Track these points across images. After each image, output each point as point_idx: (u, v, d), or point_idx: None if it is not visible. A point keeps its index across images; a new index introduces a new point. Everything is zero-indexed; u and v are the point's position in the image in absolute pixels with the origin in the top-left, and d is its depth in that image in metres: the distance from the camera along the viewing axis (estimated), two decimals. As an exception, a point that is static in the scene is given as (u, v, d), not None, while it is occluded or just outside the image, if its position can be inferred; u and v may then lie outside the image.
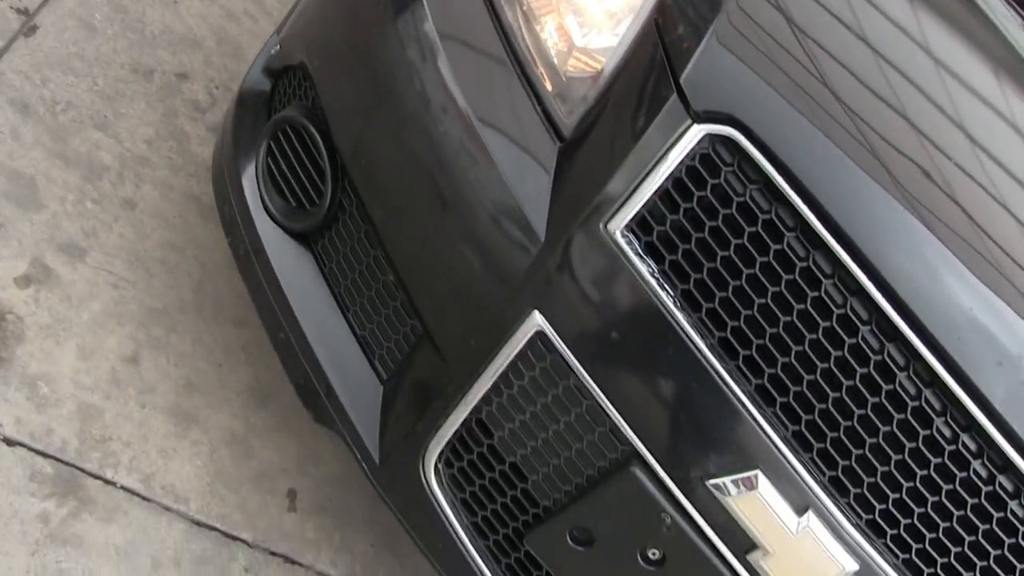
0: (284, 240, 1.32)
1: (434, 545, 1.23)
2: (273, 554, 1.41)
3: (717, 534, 1.08)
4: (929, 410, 1.04)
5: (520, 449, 1.15)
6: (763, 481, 1.05)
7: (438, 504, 1.21)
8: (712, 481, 1.06)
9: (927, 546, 1.08)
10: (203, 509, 1.39)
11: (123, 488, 1.34)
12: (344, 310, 1.29)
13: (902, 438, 1.04)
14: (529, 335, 1.10)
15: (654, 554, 1.12)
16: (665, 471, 1.08)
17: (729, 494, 1.06)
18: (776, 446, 1.05)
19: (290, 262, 1.31)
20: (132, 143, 1.67)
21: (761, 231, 1.04)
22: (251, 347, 1.56)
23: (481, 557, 1.22)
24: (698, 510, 1.08)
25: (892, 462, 1.05)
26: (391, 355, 1.25)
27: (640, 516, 1.10)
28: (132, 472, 1.36)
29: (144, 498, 1.35)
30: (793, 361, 1.05)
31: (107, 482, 1.33)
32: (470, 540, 1.21)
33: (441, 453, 1.19)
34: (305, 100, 1.34)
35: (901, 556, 1.08)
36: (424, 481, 1.21)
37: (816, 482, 1.05)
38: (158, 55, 1.82)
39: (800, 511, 1.06)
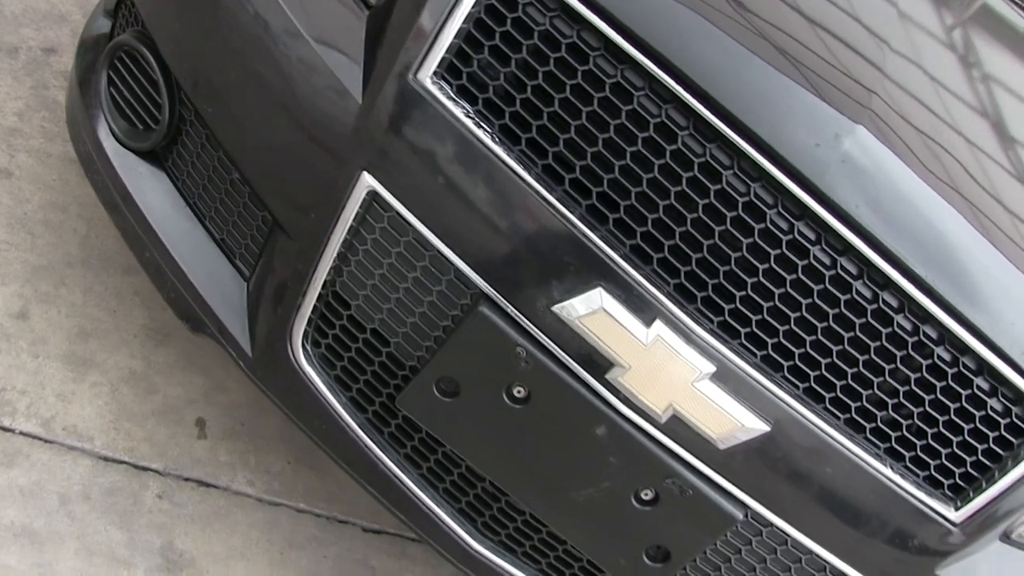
0: (136, 162, 1.33)
1: (318, 428, 1.25)
2: (186, 479, 1.43)
3: (573, 359, 1.10)
4: (761, 204, 1.05)
5: (377, 314, 1.17)
6: (607, 298, 1.07)
7: (313, 385, 1.23)
8: (558, 306, 1.08)
9: (782, 339, 1.10)
10: (109, 445, 1.40)
11: (22, 433, 1.36)
12: (201, 218, 1.30)
13: (738, 235, 1.06)
14: (362, 198, 1.12)
15: (519, 391, 1.13)
16: (512, 305, 1.10)
17: (576, 315, 1.08)
18: (615, 262, 1.07)
19: (144, 182, 1.32)
20: (1, 116, 1.68)
21: (567, 55, 1.06)
22: (144, 292, 1.58)
23: (364, 431, 1.23)
24: (551, 338, 1.10)
25: (732, 260, 1.07)
26: (249, 251, 1.27)
27: (498, 355, 1.11)
28: (31, 418, 1.37)
29: (46, 440, 1.36)
30: (619, 176, 1.07)
31: (4, 430, 1.35)
32: (350, 415, 1.23)
33: (306, 333, 1.21)
34: (136, 25, 1.36)
35: (759, 353, 1.10)
36: (296, 365, 1.22)
37: (660, 292, 1.07)
38: (21, 33, 1.83)
39: (648, 322, 1.07)
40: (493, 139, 1.08)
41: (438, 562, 1.56)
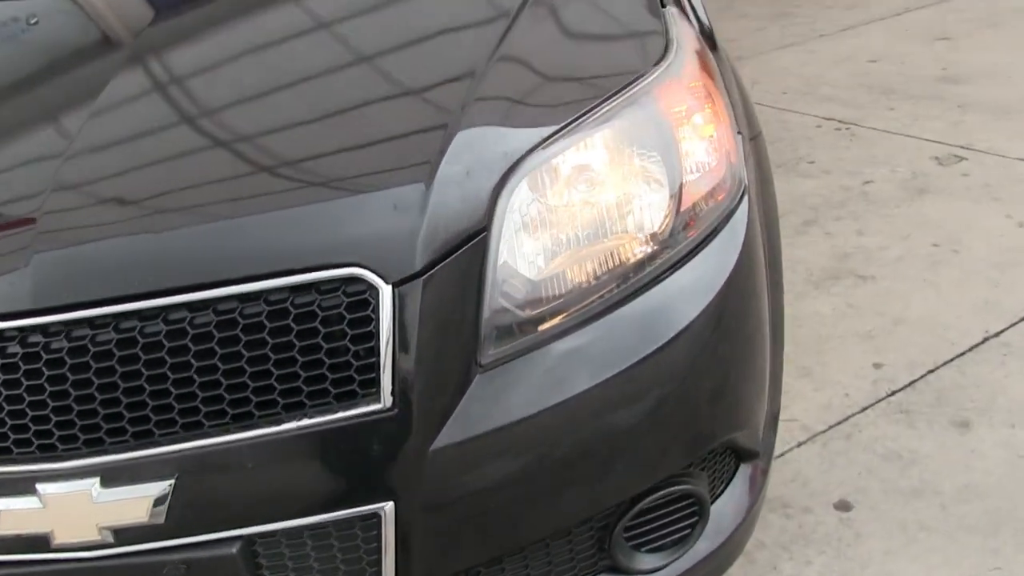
0: None
1: None
2: None
3: (26, 553, 1.26)
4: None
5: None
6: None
7: None
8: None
9: (128, 413, 1.22)
10: None
11: None
12: None
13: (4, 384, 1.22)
14: None
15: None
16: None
17: (-7, 531, 1.26)
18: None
19: None
20: None
21: None
22: None
23: None
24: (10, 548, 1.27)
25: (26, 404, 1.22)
26: None
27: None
28: None
29: None
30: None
31: None
32: None
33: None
34: None
35: (127, 436, 1.23)
36: None
37: (15, 466, 1.24)
38: None
39: (31, 492, 1.23)
40: None
41: None
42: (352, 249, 1.22)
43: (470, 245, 1.27)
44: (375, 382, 1.24)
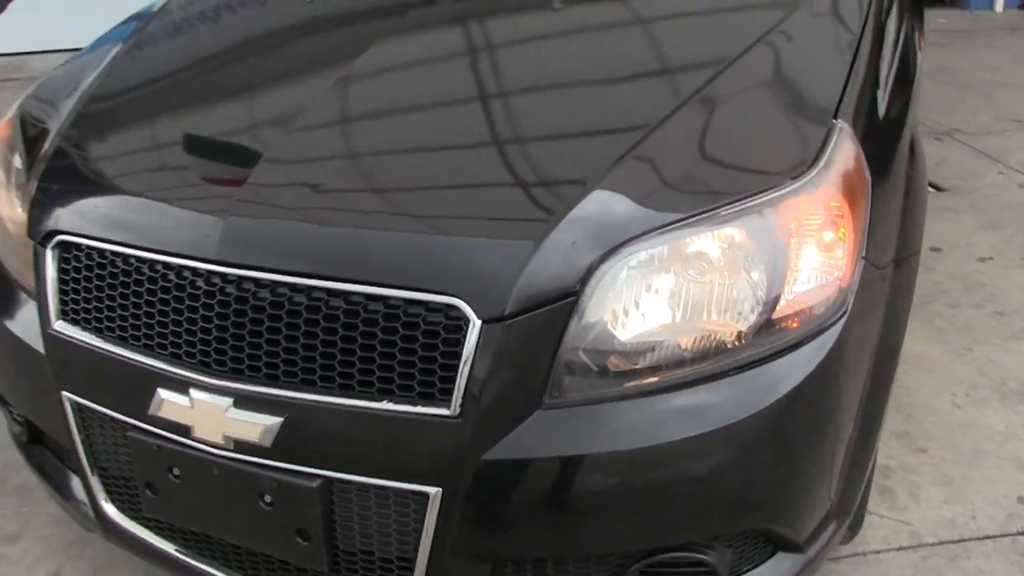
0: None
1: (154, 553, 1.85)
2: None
3: (175, 434, 1.64)
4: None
5: (114, 465, 1.80)
6: (163, 392, 1.63)
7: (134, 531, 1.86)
8: (153, 411, 1.64)
9: (265, 359, 1.56)
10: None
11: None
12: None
13: (188, 308, 1.60)
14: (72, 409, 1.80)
15: (175, 471, 1.67)
16: (137, 421, 1.68)
17: (159, 410, 1.63)
18: (156, 369, 1.63)
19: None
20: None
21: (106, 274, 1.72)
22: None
23: (160, 538, 1.82)
24: (164, 429, 1.65)
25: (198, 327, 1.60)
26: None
27: (150, 456, 1.68)
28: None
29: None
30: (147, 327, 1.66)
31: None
32: (156, 536, 1.83)
33: (107, 498, 1.86)
34: None
35: (260, 375, 1.56)
36: (116, 521, 1.86)
37: (182, 370, 1.61)
38: None
39: (185, 392, 1.60)
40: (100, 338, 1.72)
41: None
42: (457, 283, 1.47)
43: (557, 305, 1.48)
44: (450, 392, 1.48)
